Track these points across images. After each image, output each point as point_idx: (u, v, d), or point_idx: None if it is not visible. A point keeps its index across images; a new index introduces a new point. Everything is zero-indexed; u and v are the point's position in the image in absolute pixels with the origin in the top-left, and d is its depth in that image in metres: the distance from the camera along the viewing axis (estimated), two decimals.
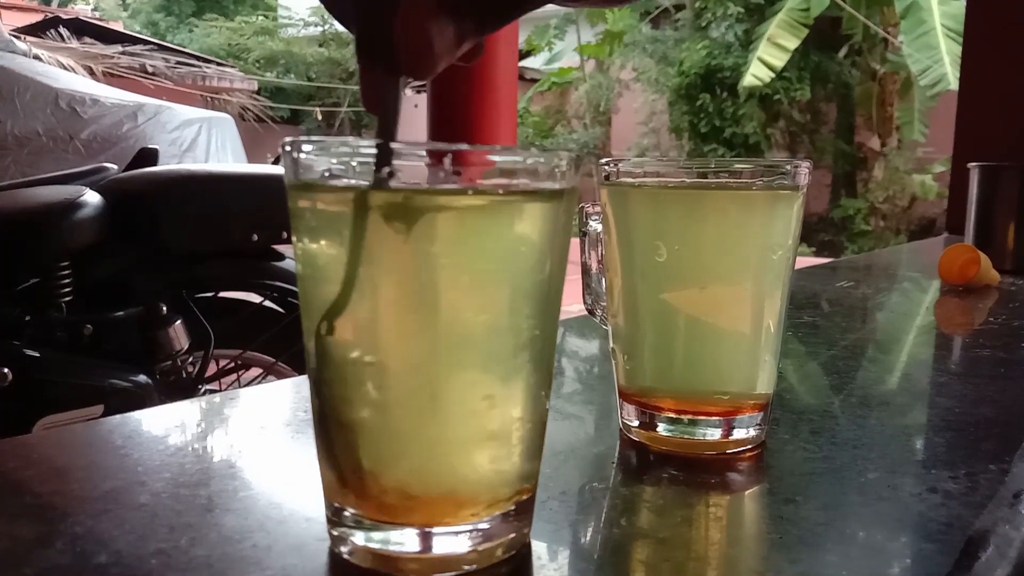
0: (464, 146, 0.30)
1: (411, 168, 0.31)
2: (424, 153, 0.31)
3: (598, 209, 0.51)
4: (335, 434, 0.33)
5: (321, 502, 0.35)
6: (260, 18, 15.49)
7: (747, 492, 0.43)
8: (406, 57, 0.32)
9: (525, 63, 12.02)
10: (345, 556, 0.33)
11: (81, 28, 7.17)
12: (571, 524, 0.38)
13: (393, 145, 0.30)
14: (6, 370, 1.41)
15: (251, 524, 0.36)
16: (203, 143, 4.20)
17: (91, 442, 0.48)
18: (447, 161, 0.30)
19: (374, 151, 0.30)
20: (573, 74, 12.15)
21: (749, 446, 0.47)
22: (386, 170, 0.30)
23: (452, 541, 0.33)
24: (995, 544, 0.34)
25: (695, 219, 0.45)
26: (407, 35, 0.32)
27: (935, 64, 8.38)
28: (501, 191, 0.32)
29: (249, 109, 8.78)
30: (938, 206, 9.86)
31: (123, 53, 6.87)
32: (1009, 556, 0.33)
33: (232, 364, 1.86)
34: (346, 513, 0.33)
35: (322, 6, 0.37)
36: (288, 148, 0.31)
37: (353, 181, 0.31)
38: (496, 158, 0.31)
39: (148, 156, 1.92)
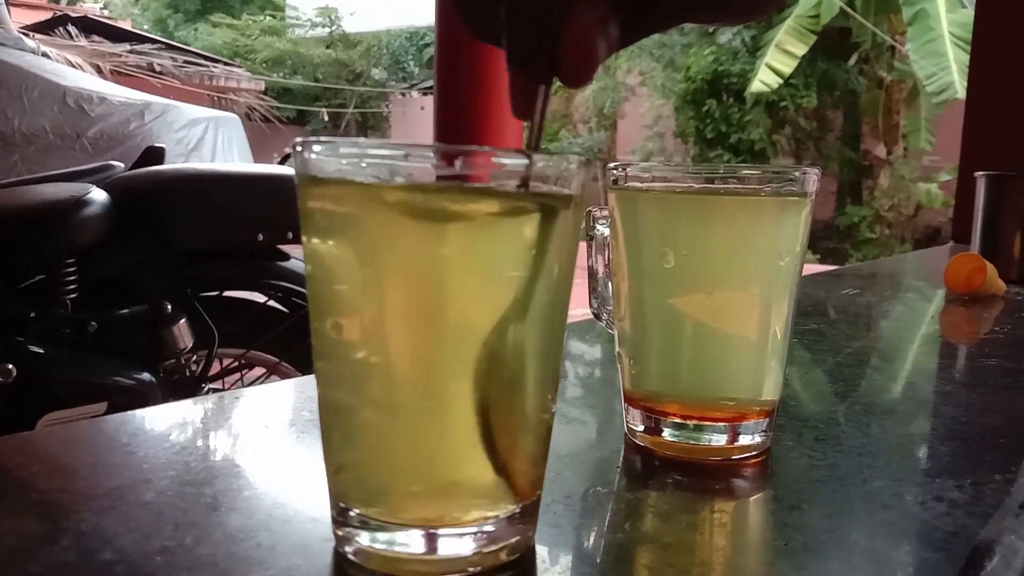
0: (475, 148, 0.30)
1: (421, 169, 0.31)
2: (435, 155, 0.31)
3: (605, 213, 0.51)
4: (341, 434, 0.33)
5: (326, 502, 0.35)
6: (267, 18, 15.52)
7: (752, 498, 0.43)
8: (572, 66, 0.32)
9: None
10: (350, 556, 0.33)
11: (89, 26, 7.19)
12: (575, 528, 0.38)
13: (540, 156, 0.31)
14: (10, 366, 1.41)
15: (256, 523, 0.36)
16: (210, 142, 4.21)
17: (96, 439, 0.49)
18: (458, 163, 0.30)
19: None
20: None
21: (754, 452, 0.47)
22: (404, 171, 0.30)
23: (457, 543, 0.33)
24: (1000, 554, 0.34)
25: (703, 224, 0.45)
26: (577, 44, 0.32)
27: (942, 72, 8.37)
28: (512, 194, 0.32)
29: (256, 109, 8.80)
30: (943, 215, 9.84)
31: (131, 52, 6.89)
32: (1014, 566, 0.33)
33: (236, 363, 1.86)
34: (351, 513, 0.33)
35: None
36: (300, 148, 0.32)
37: (363, 180, 0.31)
38: (507, 161, 0.31)
39: (154, 155, 1.92)
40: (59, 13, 8.12)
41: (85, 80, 4.16)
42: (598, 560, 0.36)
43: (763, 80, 9.35)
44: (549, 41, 0.32)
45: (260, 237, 1.70)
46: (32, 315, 1.50)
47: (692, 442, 0.46)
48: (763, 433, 0.47)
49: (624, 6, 0.33)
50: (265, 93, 9.92)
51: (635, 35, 0.34)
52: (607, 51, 0.33)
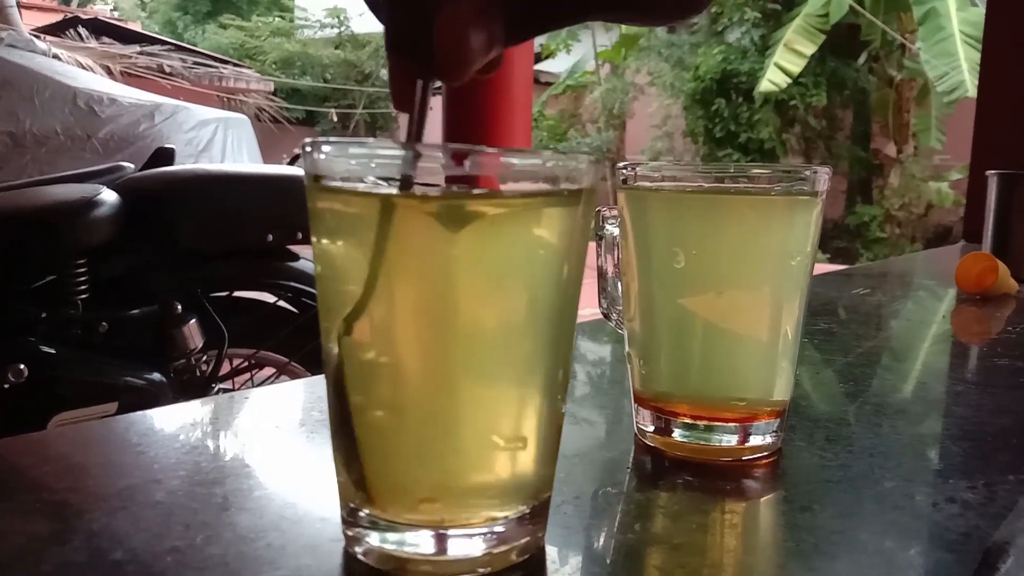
0: (485, 148, 0.30)
1: (431, 170, 0.31)
2: (445, 154, 0.31)
3: (615, 213, 0.51)
4: (352, 435, 0.33)
5: (336, 502, 0.35)
6: (276, 19, 15.56)
7: (763, 499, 0.43)
8: (444, 59, 0.31)
9: (540, 66, 12.02)
10: (360, 557, 0.33)
11: (100, 28, 7.22)
12: (585, 529, 0.38)
13: (419, 146, 0.30)
14: (22, 366, 1.42)
15: (266, 523, 0.36)
16: (219, 143, 4.22)
17: (107, 439, 0.49)
18: (467, 163, 0.30)
19: (402, 152, 0.30)
20: (588, 78, 12.15)
21: (765, 453, 0.47)
22: (411, 171, 0.30)
23: (467, 544, 0.33)
24: (1014, 555, 0.34)
25: (713, 224, 0.45)
26: (448, 37, 0.31)
27: (953, 71, 8.33)
28: (522, 193, 0.31)
29: (265, 110, 8.82)
30: (954, 214, 9.79)
31: (141, 53, 6.91)
32: None
33: (246, 363, 1.86)
34: (361, 514, 0.33)
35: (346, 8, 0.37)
36: (310, 148, 0.31)
37: (372, 182, 0.31)
38: (516, 160, 0.31)
39: (164, 156, 1.93)
40: (70, 15, 8.16)
41: (95, 82, 4.18)
42: (608, 561, 0.35)
43: (772, 79, 9.32)
44: (423, 33, 0.31)
45: (270, 237, 1.70)
46: (43, 315, 1.51)
47: (703, 443, 0.46)
48: (774, 433, 0.47)
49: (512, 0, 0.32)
50: (274, 94, 9.94)
51: (529, 31, 0.33)
52: (486, 47, 0.31)
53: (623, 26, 10.76)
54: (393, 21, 0.33)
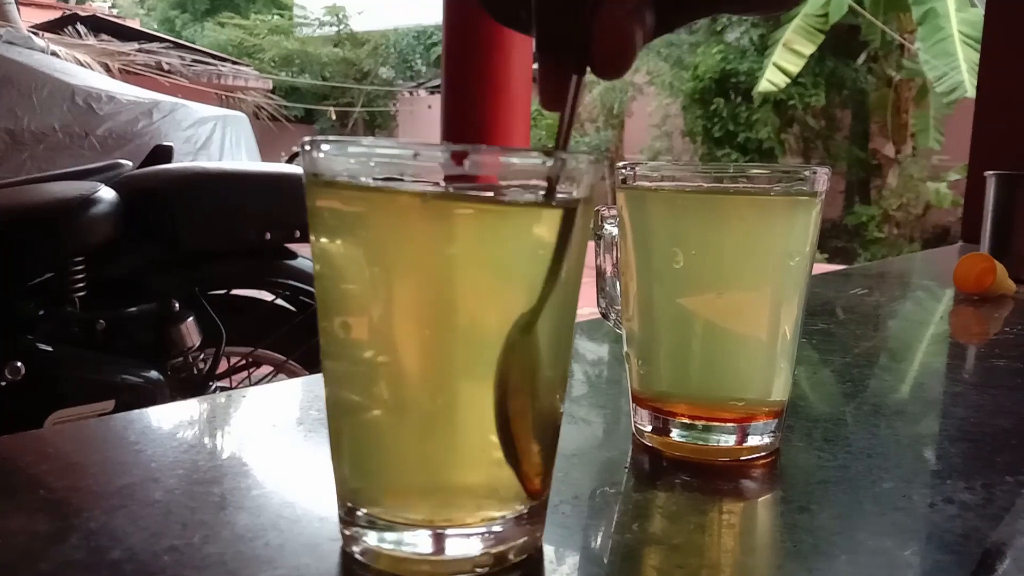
0: (483, 147, 0.30)
1: (429, 169, 0.30)
2: (442, 154, 0.31)
3: (614, 213, 0.51)
4: (349, 434, 0.33)
5: (334, 501, 0.35)
6: (275, 17, 15.56)
7: (761, 500, 0.43)
8: (607, 56, 0.32)
9: None
10: (358, 556, 0.33)
11: (98, 25, 7.22)
12: (583, 529, 0.38)
13: (563, 154, 0.30)
14: (19, 364, 1.41)
15: (264, 522, 0.36)
16: (218, 141, 4.22)
17: (105, 437, 0.49)
18: (467, 162, 0.30)
19: (406, 151, 0.30)
20: (587, 77, 12.14)
21: (763, 453, 0.47)
22: (412, 170, 0.30)
23: (464, 543, 0.33)
24: (1012, 557, 0.34)
25: (713, 224, 0.45)
26: (611, 34, 0.31)
27: (952, 71, 8.34)
28: (520, 193, 0.31)
29: (264, 108, 8.82)
30: (952, 214, 9.80)
31: (139, 50, 6.91)
32: None
33: (243, 362, 1.86)
34: (359, 513, 0.33)
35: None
36: (308, 147, 0.31)
37: (372, 180, 0.31)
38: (516, 160, 0.31)
39: (163, 153, 1.93)
40: (68, 12, 8.15)
41: (94, 79, 4.17)
42: (606, 561, 0.35)
43: (771, 79, 9.33)
44: (582, 28, 0.31)
45: (268, 236, 1.70)
46: (41, 313, 1.50)
47: (701, 443, 0.46)
48: (772, 434, 0.47)
49: None
50: (273, 92, 9.94)
51: (671, 24, 0.34)
52: (642, 40, 0.32)
53: None
54: (545, 22, 0.33)
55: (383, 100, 14.47)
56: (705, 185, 0.45)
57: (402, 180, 0.30)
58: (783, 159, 10.70)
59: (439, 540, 0.32)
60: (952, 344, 0.90)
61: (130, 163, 1.85)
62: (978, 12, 7.67)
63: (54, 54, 4.57)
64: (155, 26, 15.02)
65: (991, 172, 1.34)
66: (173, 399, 1.43)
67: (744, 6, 0.36)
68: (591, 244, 0.49)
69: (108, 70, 5.95)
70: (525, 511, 0.34)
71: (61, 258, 1.51)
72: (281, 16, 15.81)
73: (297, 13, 15.66)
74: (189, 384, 1.66)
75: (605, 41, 0.31)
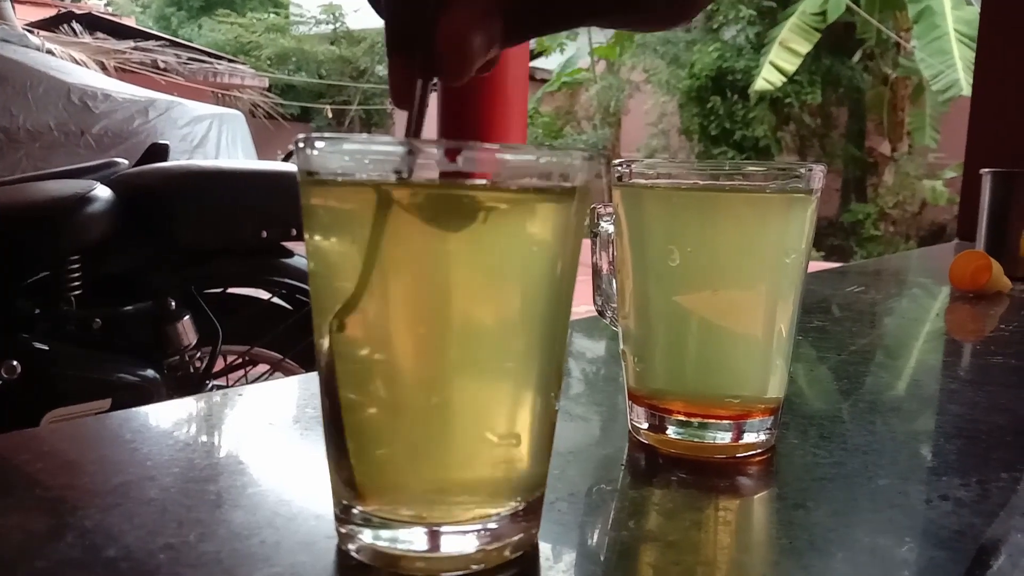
0: (479, 143, 0.30)
1: (426, 165, 0.30)
2: (439, 150, 0.30)
3: (610, 210, 0.51)
4: (345, 431, 0.33)
5: (330, 499, 0.35)
6: (271, 15, 15.54)
7: (757, 496, 0.43)
8: (447, 60, 0.32)
9: (536, 63, 12.01)
10: (353, 554, 0.33)
11: (94, 23, 7.19)
12: (579, 526, 0.38)
13: (415, 142, 0.30)
14: (15, 363, 1.41)
15: (260, 520, 0.36)
16: (214, 139, 4.21)
17: (101, 436, 0.49)
18: (461, 159, 0.30)
19: (401, 148, 0.30)
20: (583, 75, 12.15)
21: (759, 450, 0.47)
22: (407, 167, 0.30)
23: (460, 540, 0.33)
24: (1007, 553, 0.34)
25: (709, 221, 0.45)
26: (451, 39, 0.31)
27: (948, 69, 8.35)
28: (516, 189, 0.31)
29: (260, 106, 8.79)
30: (948, 212, 9.83)
31: (135, 48, 6.88)
32: (1021, 565, 0.33)
33: (240, 360, 1.86)
34: (354, 511, 0.33)
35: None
36: (302, 144, 0.31)
37: (366, 177, 0.30)
38: (511, 156, 0.31)
39: (159, 151, 1.92)
40: (63, 10, 8.13)
41: (89, 77, 4.16)
42: (602, 558, 0.35)
43: (767, 77, 9.34)
44: (426, 33, 0.31)
45: (264, 234, 1.70)
46: (37, 312, 1.50)
47: (696, 440, 0.46)
48: (768, 431, 0.47)
49: (513, 3, 0.32)
50: (269, 90, 9.91)
51: (526, 33, 0.34)
52: (486, 48, 0.32)
53: None
54: (395, 22, 0.33)
55: (379, 98, 14.45)
56: (701, 182, 0.45)
57: (396, 177, 0.30)
58: (779, 157, 10.70)
59: (434, 537, 0.32)
60: (948, 341, 0.90)
61: (126, 161, 1.84)
62: (974, 10, 7.68)
63: (49, 52, 4.56)
64: (151, 24, 14.98)
65: (987, 170, 1.34)
66: (169, 397, 1.43)
67: (610, 22, 0.36)
68: (587, 241, 0.50)
69: (104, 68, 5.93)
70: (521, 508, 0.34)
71: (57, 256, 1.51)
72: (277, 14, 15.79)
73: (293, 11, 15.64)
74: (185, 382, 1.65)
75: (446, 46, 0.32)
